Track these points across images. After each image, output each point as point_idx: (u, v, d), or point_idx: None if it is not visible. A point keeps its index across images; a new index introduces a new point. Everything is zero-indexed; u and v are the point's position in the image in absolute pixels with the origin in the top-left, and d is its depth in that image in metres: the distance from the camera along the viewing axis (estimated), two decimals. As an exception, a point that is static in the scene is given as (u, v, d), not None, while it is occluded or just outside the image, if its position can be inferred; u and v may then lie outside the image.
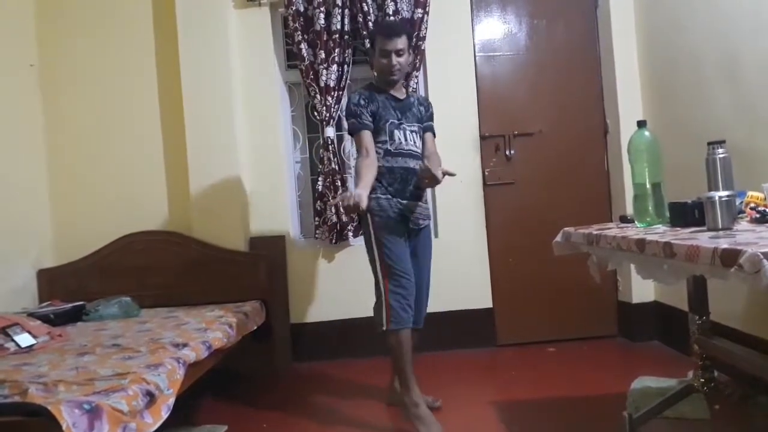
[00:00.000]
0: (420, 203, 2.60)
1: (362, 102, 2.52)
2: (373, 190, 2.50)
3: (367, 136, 2.49)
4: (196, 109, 3.35)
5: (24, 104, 3.36)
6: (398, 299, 2.41)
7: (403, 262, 2.46)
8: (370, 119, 2.51)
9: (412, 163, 2.56)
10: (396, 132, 2.54)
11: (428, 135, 2.73)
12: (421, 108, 2.70)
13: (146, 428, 1.69)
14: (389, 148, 2.53)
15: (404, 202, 2.53)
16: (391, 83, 2.59)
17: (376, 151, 2.52)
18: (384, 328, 2.41)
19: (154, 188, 3.49)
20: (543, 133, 3.60)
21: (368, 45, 3.34)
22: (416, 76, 3.44)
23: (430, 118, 2.76)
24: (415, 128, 2.62)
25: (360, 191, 2.31)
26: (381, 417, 2.64)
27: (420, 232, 2.63)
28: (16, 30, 3.33)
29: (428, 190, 3.01)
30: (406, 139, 2.56)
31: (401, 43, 2.51)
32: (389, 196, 2.51)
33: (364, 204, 2.29)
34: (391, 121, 2.54)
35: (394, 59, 2.50)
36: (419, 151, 2.62)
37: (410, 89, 3.34)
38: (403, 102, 2.63)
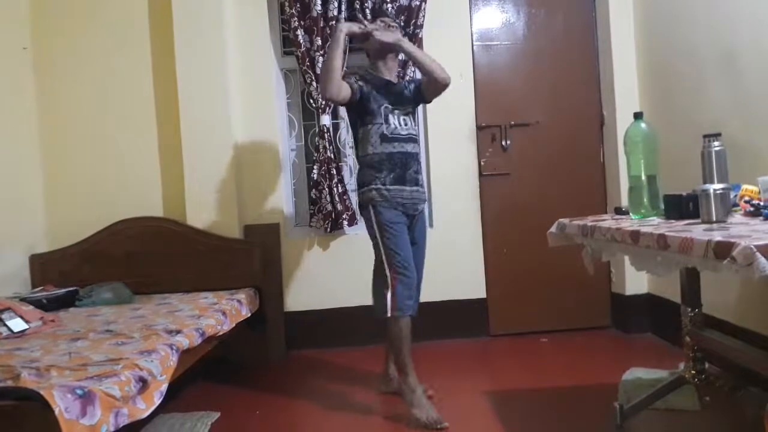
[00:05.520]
0: (418, 188, 2.61)
1: (357, 77, 2.58)
2: (373, 180, 2.53)
3: (347, 87, 2.48)
4: (191, 95, 3.32)
5: (17, 88, 3.32)
6: (405, 287, 2.44)
7: (406, 251, 2.50)
8: (358, 90, 2.51)
9: (410, 147, 2.59)
10: (391, 116, 2.56)
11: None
12: (411, 85, 2.73)
13: (139, 414, 1.70)
14: (385, 132, 2.54)
15: (405, 188, 2.55)
16: (386, 61, 2.63)
17: (370, 137, 2.54)
18: (388, 315, 2.44)
19: (148, 174, 3.46)
20: (539, 123, 3.59)
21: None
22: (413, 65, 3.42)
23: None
24: (410, 110, 2.65)
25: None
26: (374, 405, 2.65)
27: (417, 217, 2.65)
28: (8, 13, 3.28)
29: (425, 175, 2.99)
30: (400, 124, 2.58)
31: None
32: (389, 186, 2.52)
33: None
34: (385, 105, 2.56)
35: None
36: (415, 134, 2.65)
37: (407, 78, 3.33)
38: (395, 86, 2.66)
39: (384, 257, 2.50)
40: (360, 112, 2.57)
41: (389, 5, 3.31)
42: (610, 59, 3.51)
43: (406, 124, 2.60)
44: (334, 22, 3.33)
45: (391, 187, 2.52)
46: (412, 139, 2.62)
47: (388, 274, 2.47)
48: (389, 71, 2.67)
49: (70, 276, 3.19)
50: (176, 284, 3.18)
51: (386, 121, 2.55)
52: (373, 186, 2.52)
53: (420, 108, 3.20)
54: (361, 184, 2.59)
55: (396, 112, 2.58)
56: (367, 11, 3.32)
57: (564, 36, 3.63)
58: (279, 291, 3.45)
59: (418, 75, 3.53)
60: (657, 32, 3.27)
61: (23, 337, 2.30)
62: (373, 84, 2.58)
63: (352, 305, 3.43)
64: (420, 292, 2.68)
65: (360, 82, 2.54)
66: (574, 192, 3.58)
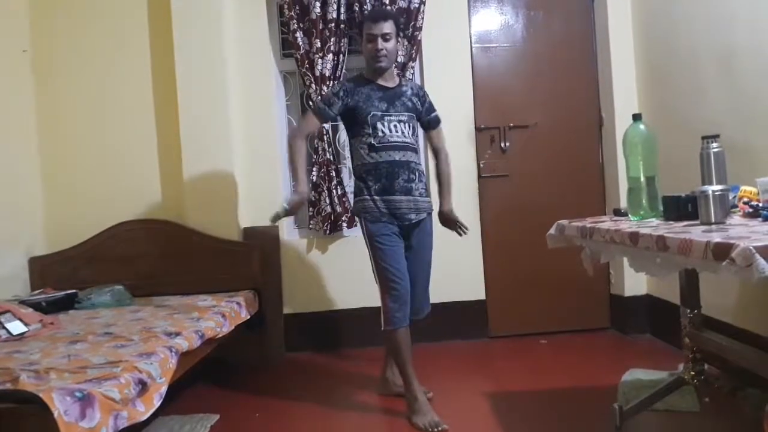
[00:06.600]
0: (410, 197, 2.51)
1: (341, 93, 2.50)
2: (360, 191, 2.52)
3: (315, 123, 2.58)
4: (190, 98, 3.32)
5: (16, 91, 3.31)
6: (393, 300, 2.42)
7: (395, 263, 2.45)
8: (337, 113, 2.51)
9: (399, 156, 2.49)
10: (379, 124, 2.48)
11: (432, 132, 2.70)
12: (414, 98, 2.61)
13: (138, 416, 1.69)
14: (372, 142, 2.47)
15: (395, 197, 2.48)
16: (378, 70, 2.51)
17: (360, 147, 2.51)
18: (382, 329, 2.44)
19: (147, 176, 3.46)
20: (538, 125, 3.59)
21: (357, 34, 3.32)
22: (412, 67, 3.43)
23: (431, 108, 2.68)
24: (404, 117, 2.53)
25: (296, 194, 2.54)
26: (373, 407, 2.64)
27: (414, 226, 2.56)
28: (8, 15, 3.28)
29: (425, 181, 2.98)
30: (391, 131, 2.49)
31: (388, 27, 2.46)
32: (375, 197, 2.48)
33: (305, 198, 2.60)
34: (373, 113, 2.48)
35: (380, 43, 2.44)
36: (409, 141, 2.54)
37: (406, 78, 3.33)
38: (393, 90, 2.55)
39: (374, 270, 2.49)
40: (349, 123, 2.55)
41: (388, 7, 3.31)
42: (609, 61, 3.51)
43: (397, 131, 2.50)
44: (333, 24, 3.33)
45: (377, 198, 2.47)
46: (404, 147, 2.50)
47: (378, 287, 2.47)
48: (386, 78, 2.56)
49: (70, 278, 3.18)
50: (175, 286, 3.17)
51: (374, 129, 2.47)
52: (360, 197, 2.51)
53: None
54: (354, 194, 2.60)
55: (387, 118, 2.49)
56: (366, 13, 3.32)
57: (563, 38, 3.63)
58: (278, 293, 3.45)
59: (418, 78, 3.56)
60: (655, 34, 3.27)
61: (22, 339, 2.30)
62: (363, 92, 2.49)
63: (351, 307, 3.43)
64: (425, 298, 2.67)
65: (344, 98, 2.48)
66: (573, 193, 3.58)
